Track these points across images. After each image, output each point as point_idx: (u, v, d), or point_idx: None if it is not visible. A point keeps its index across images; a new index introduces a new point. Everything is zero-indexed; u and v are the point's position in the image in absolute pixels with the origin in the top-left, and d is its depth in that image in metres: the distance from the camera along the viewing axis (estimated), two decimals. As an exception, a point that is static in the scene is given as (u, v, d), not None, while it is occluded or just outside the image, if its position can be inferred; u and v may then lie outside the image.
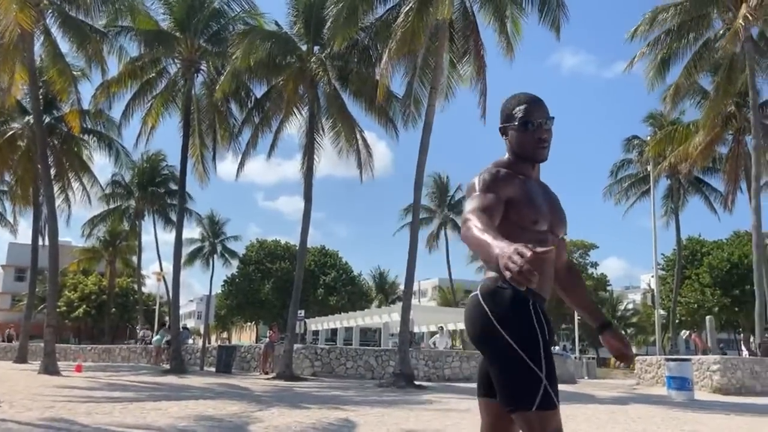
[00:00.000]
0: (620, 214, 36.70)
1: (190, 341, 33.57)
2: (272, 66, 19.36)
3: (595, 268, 43.89)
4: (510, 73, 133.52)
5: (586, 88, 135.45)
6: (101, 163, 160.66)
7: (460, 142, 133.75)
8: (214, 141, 22.45)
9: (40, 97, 20.32)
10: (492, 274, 2.21)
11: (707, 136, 23.65)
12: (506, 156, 2.44)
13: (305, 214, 19.52)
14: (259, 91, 21.57)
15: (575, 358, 27.71)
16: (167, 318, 31.22)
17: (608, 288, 47.58)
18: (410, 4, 16.55)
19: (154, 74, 22.18)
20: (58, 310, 26.57)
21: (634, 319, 56.44)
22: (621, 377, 28.94)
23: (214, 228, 46.18)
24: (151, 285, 49.28)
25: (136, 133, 22.84)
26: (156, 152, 38.11)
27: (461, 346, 43.67)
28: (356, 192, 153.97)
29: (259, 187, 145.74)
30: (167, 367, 20.60)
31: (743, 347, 26.38)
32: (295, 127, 21.38)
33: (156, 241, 67.40)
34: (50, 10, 18.98)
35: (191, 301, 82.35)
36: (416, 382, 15.63)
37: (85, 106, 22.93)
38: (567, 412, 10.45)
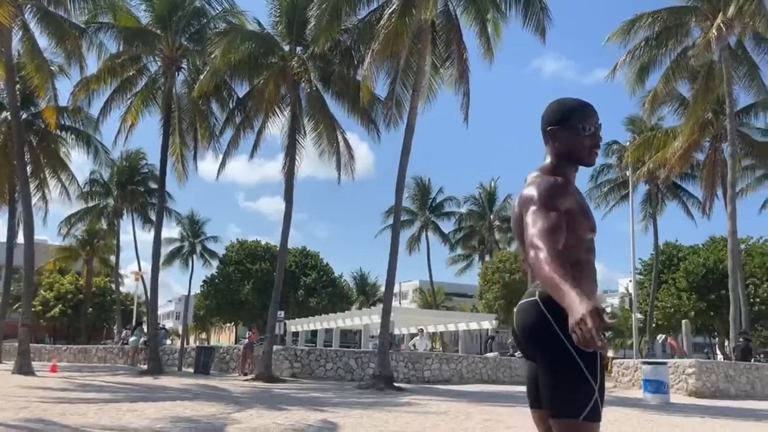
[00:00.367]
0: (599, 218, 36.83)
1: (168, 342, 33.25)
2: (254, 65, 19.27)
3: (574, 272, 44.06)
4: (492, 77, 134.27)
5: (566, 94, 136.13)
6: (79, 161, 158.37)
7: (441, 145, 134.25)
8: (194, 140, 22.28)
9: (18, 92, 19.99)
10: None
11: (685, 143, 23.98)
12: (549, 160, 2.39)
13: (286, 215, 19.44)
14: (241, 90, 21.48)
15: (554, 360, 27.90)
16: (145, 318, 30.90)
17: (587, 291, 47.92)
18: (393, 6, 16.57)
19: (134, 72, 21.95)
20: (33, 309, 26.17)
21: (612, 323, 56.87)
22: (598, 380, 29.17)
23: (193, 228, 45.84)
24: (129, 285, 48.64)
25: (115, 130, 22.63)
26: (136, 150, 37.68)
27: (441, 348, 43.80)
28: (338, 193, 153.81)
29: (240, 188, 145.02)
30: (144, 367, 20.37)
31: (718, 351, 26.79)
32: (277, 128, 21.30)
33: (135, 240, 66.28)
34: (29, 6, 18.70)
35: (170, 301, 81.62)
36: (396, 384, 15.62)
37: (64, 102, 22.69)
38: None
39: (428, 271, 48.09)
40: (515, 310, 2.34)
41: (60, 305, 46.07)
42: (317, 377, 18.07)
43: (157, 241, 21.82)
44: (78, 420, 7.59)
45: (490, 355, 22.41)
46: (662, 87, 22.36)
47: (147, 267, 31.62)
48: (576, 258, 2.23)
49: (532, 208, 2.17)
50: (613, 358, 33.62)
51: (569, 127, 2.34)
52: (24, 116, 24.01)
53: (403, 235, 45.20)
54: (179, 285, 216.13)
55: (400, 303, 58.96)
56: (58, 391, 11.96)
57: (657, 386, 14.83)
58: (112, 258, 42.70)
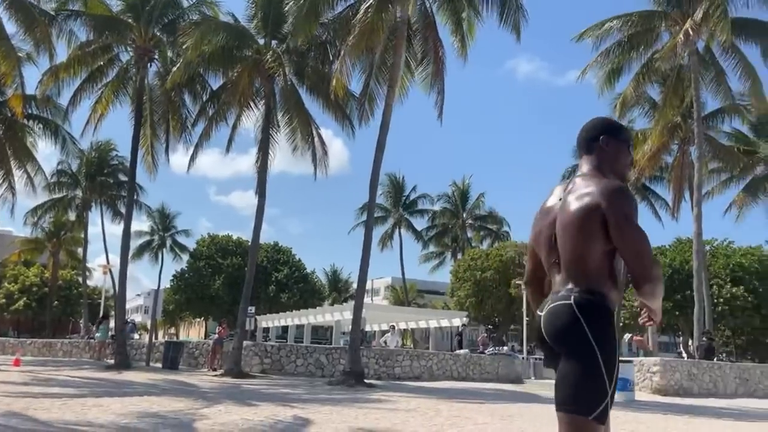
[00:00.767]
0: (570, 218, 37.31)
1: (136, 336, 32.78)
2: (228, 58, 19.08)
3: (545, 271, 44.60)
4: (466, 77, 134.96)
5: (540, 95, 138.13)
6: (47, 152, 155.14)
7: (416, 143, 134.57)
8: (166, 132, 21.96)
9: (-17, 80, 19.49)
10: (579, 286, 2.31)
11: (654, 146, 24.40)
12: (594, 166, 2.51)
13: (258, 210, 19.30)
14: (214, 83, 21.24)
15: (523, 358, 28.16)
16: (112, 312, 30.43)
17: (557, 290, 48.60)
18: (370, 1, 16.54)
19: (104, 61, 21.54)
20: (-4, 302, 25.55)
21: (581, 321, 57.75)
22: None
23: (164, 221, 45.39)
24: (96, 278, 47.92)
25: (85, 121, 22.18)
26: (105, 141, 37.05)
27: (412, 345, 43.96)
28: (311, 189, 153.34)
29: (211, 181, 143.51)
30: (111, 362, 20.05)
31: (682, 350, 27.36)
32: (250, 122, 21.14)
33: (103, 233, 65.41)
34: (-4, -10, 18.21)
35: (138, 295, 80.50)
36: (366, 381, 15.63)
37: (32, 91, 22.15)
38: (513, 410, 10.63)
39: (401, 268, 48.29)
40: (542, 312, 2.41)
41: (24, 298, 45.15)
42: (287, 373, 17.99)
43: (127, 234, 21.50)
44: (42, 415, 7.44)
45: (460, 352, 22.56)
46: (632, 90, 22.71)
47: (115, 260, 31.24)
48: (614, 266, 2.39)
49: (626, 210, 2.29)
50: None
51: (621, 140, 2.55)
52: (-11, 104, 23.44)
53: (377, 232, 45.32)
54: (148, 279, 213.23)
55: (372, 300, 59.01)
56: (21, 385, 11.71)
57: (623, 384, 15.07)
58: (80, 250, 41.98)
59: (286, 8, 18.26)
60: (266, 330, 39.06)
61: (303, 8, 16.89)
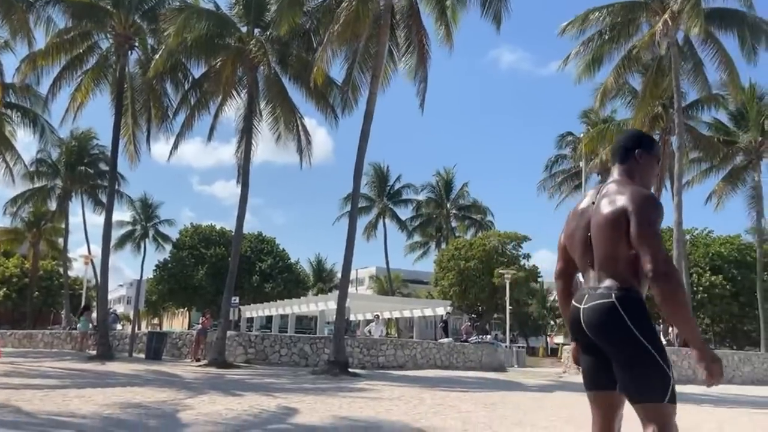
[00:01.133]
0: (553, 207, 37.81)
1: (119, 327, 32.54)
2: (210, 46, 18.87)
3: (528, 260, 44.95)
4: (450, 67, 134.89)
5: (523, 85, 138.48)
6: (26, 140, 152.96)
7: (400, 132, 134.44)
8: (148, 121, 21.71)
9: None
10: (615, 284, 2.54)
11: (635, 135, 24.55)
12: (626, 175, 2.74)
13: (242, 200, 19.19)
14: (197, 71, 20.99)
15: (506, 347, 28.41)
16: (94, 303, 30.18)
17: (539, 279, 48.94)
18: (355, -11, 16.41)
19: (84, 49, 21.18)
20: (-25, 293, 25.23)
21: (563, 310, 58.29)
22: (549, 366, 29.92)
23: (146, 211, 44.98)
24: (78, 268, 47.39)
25: (64, 109, 21.85)
26: (85, 130, 36.54)
27: (396, 334, 44.12)
28: (295, 179, 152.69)
29: (194, 171, 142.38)
30: (93, 353, 19.90)
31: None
32: (232, 110, 20.96)
33: (84, 223, 64.80)
34: (-29, -24, 17.84)
35: (121, 285, 79.79)
36: (350, 370, 15.68)
37: (11, 79, 21.78)
38: (496, 398, 10.74)
39: (385, 258, 48.37)
40: (582, 307, 2.61)
41: (4, 289, 44.56)
42: (272, 363, 17.99)
43: (108, 224, 21.27)
44: (24, 406, 7.38)
45: (444, 340, 22.70)
46: (613, 80, 22.83)
47: (97, 250, 30.91)
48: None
49: (652, 217, 2.51)
50: (563, 345, 34.50)
51: (653, 155, 2.81)
52: (-34, 92, 23.01)
53: (361, 222, 45.36)
54: (131, 269, 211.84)
55: (356, 289, 59.09)
56: (1, 376, 11.59)
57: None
58: (61, 241, 41.48)
59: (269, -3, 18.09)
60: (250, 320, 38.98)
61: (286, -3, 16.73)
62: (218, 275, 41.57)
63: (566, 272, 2.88)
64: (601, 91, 23.13)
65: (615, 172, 2.79)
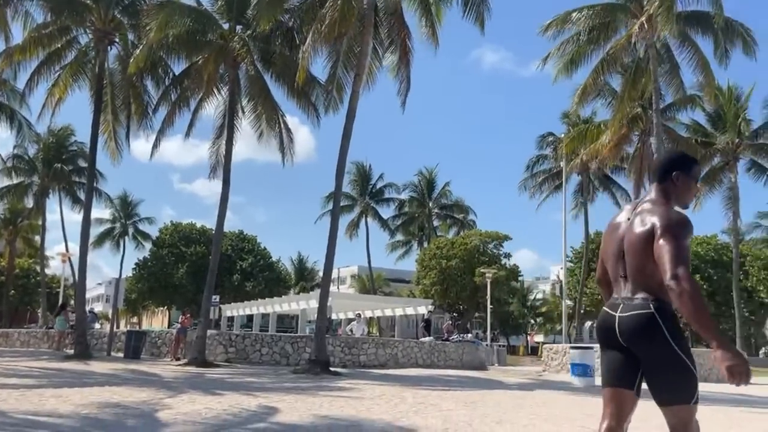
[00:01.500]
0: (534, 207, 38.14)
1: (97, 325, 32.15)
2: (192, 42, 18.68)
3: (508, 259, 45.25)
4: (432, 67, 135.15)
5: (505, 85, 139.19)
6: (3, 136, 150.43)
7: (382, 131, 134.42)
8: (128, 118, 21.44)
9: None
10: (650, 296, 2.71)
11: (614, 136, 24.82)
12: (663, 196, 2.88)
13: (223, 198, 19.04)
14: (177, 68, 20.78)
15: (486, 345, 28.56)
16: (72, 301, 29.77)
17: (520, 278, 49.30)
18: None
19: (63, 44, 20.86)
20: (-51, 291, 24.75)
21: (543, 309, 58.86)
22: (529, 364, 30.14)
23: (126, 209, 44.53)
24: (55, 267, 46.87)
25: (42, 105, 21.49)
26: (63, 126, 36.06)
27: (378, 333, 44.14)
28: (277, 177, 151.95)
29: (175, 169, 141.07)
30: (71, 352, 19.64)
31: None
32: (212, 107, 20.77)
33: (62, 220, 63.97)
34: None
35: (99, 284, 78.88)
36: (332, 369, 15.64)
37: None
38: (476, 397, 10.79)
39: (367, 257, 48.41)
40: (618, 315, 2.77)
41: (-21, 287, 43.81)
42: (252, 362, 17.90)
43: (87, 222, 20.99)
44: (-3, 407, 7.25)
45: (425, 339, 22.75)
46: (592, 81, 22.97)
47: (75, 248, 30.52)
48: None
49: (683, 230, 2.67)
50: (543, 343, 34.78)
51: (691, 176, 2.92)
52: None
53: (343, 221, 45.25)
54: (110, 267, 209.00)
55: (338, 288, 58.99)
56: (-24, 376, 11.39)
57: (583, 370, 15.44)
58: (38, 238, 40.94)
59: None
60: (231, 319, 38.74)
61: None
62: (199, 274, 41.25)
63: (605, 279, 3.08)
64: (580, 92, 23.29)
65: (652, 191, 2.94)
